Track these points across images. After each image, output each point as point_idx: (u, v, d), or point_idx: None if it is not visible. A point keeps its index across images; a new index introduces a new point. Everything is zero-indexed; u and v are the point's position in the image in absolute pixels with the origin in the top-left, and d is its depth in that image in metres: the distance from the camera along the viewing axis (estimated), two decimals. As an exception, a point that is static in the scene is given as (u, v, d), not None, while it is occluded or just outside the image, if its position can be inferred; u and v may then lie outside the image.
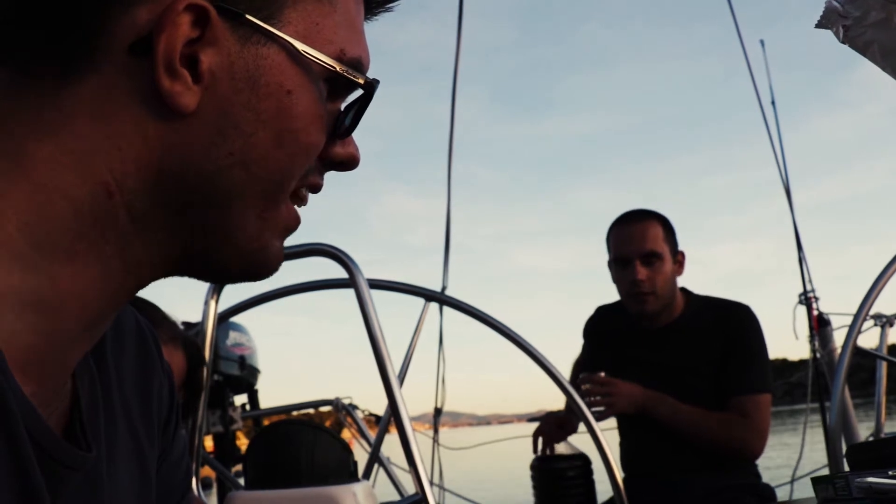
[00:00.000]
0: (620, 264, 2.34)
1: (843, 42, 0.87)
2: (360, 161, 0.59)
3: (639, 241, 2.30)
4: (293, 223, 0.57)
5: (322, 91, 0.54)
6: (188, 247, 0.53)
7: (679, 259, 2.36)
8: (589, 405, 2.23)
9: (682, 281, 2.42)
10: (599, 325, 2.57)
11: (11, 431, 0.44)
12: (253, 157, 0.51)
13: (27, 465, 0.45)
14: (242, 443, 4.33)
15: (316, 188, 0.58)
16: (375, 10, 0.60)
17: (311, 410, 3.82)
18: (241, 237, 0.53)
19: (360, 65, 0.55)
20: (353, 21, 0.55)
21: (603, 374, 2.27)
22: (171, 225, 0.51)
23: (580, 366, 2.61)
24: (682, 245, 2.38)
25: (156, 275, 0.54)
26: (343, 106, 0.57)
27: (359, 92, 0.56)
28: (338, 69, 0.53)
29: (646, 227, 2.31)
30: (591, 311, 2.62)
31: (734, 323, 2.28)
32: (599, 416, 2.22)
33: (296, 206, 0.57)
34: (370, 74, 0.57)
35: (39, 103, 0.48)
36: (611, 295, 2.48)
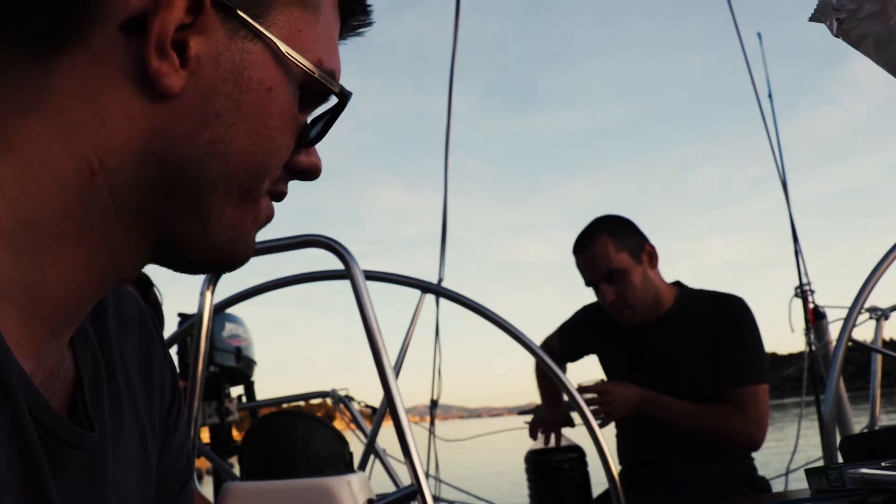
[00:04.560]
0: (592, 288, 2.38)
1: (836, 36, 0.86)
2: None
3: (593, 267, 2.32)
4: (268, 217, 0.59)
5: (297, 96, 0.55)
6: (165, 233, 0.54)
7: (648, 251, 2.34)
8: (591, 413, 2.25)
9: (675, 274, 2.43)
10: (594, 314, 2.56)
11: (15, 411, 0.45)
12: (232, 147, 0.52)
13: (30, 444, 0.45)
14: (237, 436, 4.33)
15: (281, 195, 0.59)
16: (345, 35, 0.62)
17: (302, 403, 3.83)
18: (217, 227, 0.54)
19: (334, 76, 0.58)
20: (332, 35, 0.58)
21: (602, 380, 2.28)
22: (152, 210, 0.52)
23: (562, 331, 2.64)
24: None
25: (134, 262, 0.54)
26: (310, 118, 0.59)
27: (328, 104, 0.59)
28: (316, 75, 0.55)
29: (594, 250, 2.31)
30: (582, 304, 2.63)
31: (727, 315, 2.27)
32: (600, 425, 2.22)
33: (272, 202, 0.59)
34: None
35: (26, 77, 0.48)
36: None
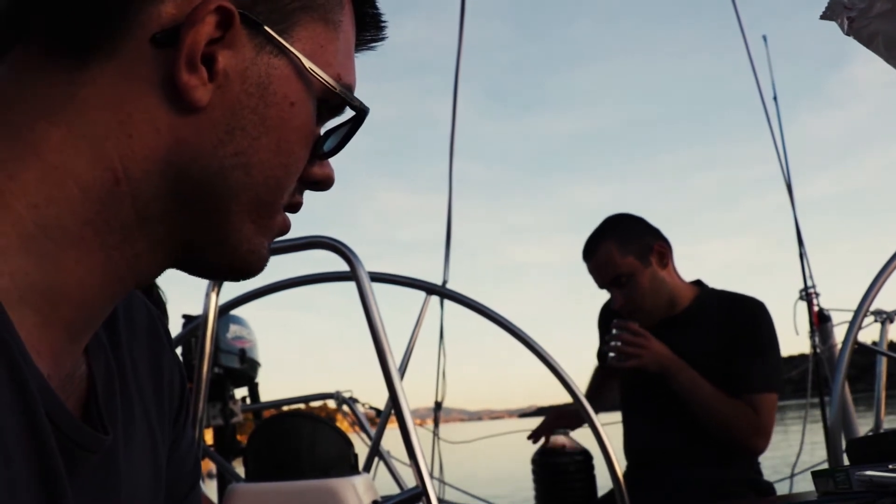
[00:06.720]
0: (606, 290, 2.37)
1: (847, 34, 0.86)
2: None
3: (599, 274, 2.32)
4: (284, 230, 0.60)
5: (316, 110, 0.57)
6: (185, 243, 0.54)
7: (658, 251, 2.30)
8: (615, 350, 2.24)
9: (695, 274, 2.40)
10: (609, 313, 2.54)
11: (32, 413, 0.45)
12: (254, 160, 0.53)
13: (47, 447, 0.46)
14: (240, 438, 4.34)
15: (297, 206, 0.60)
16: (358, 49, 0.63)
17: (303, 406, 3.83)
18: (235, 238, 0.55)
19: (352, 90, 0.59)
20: (350, 50, 0.59)
21: (637, 324, 2.26)
22: (171, 219, 0.53)
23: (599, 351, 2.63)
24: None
25: (152, 269, 0.55)
26: (322, 130, 0.60)
27: (343, 117, 0.60)
28: (337, 90, 0.56)
29: (598, 257, 2.30)
30: (583, 306, 2.63)
31: (745, 318, 2.23)
32: (621, 362, 2.24)
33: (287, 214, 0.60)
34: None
35: (55, 85, 0.49)
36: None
